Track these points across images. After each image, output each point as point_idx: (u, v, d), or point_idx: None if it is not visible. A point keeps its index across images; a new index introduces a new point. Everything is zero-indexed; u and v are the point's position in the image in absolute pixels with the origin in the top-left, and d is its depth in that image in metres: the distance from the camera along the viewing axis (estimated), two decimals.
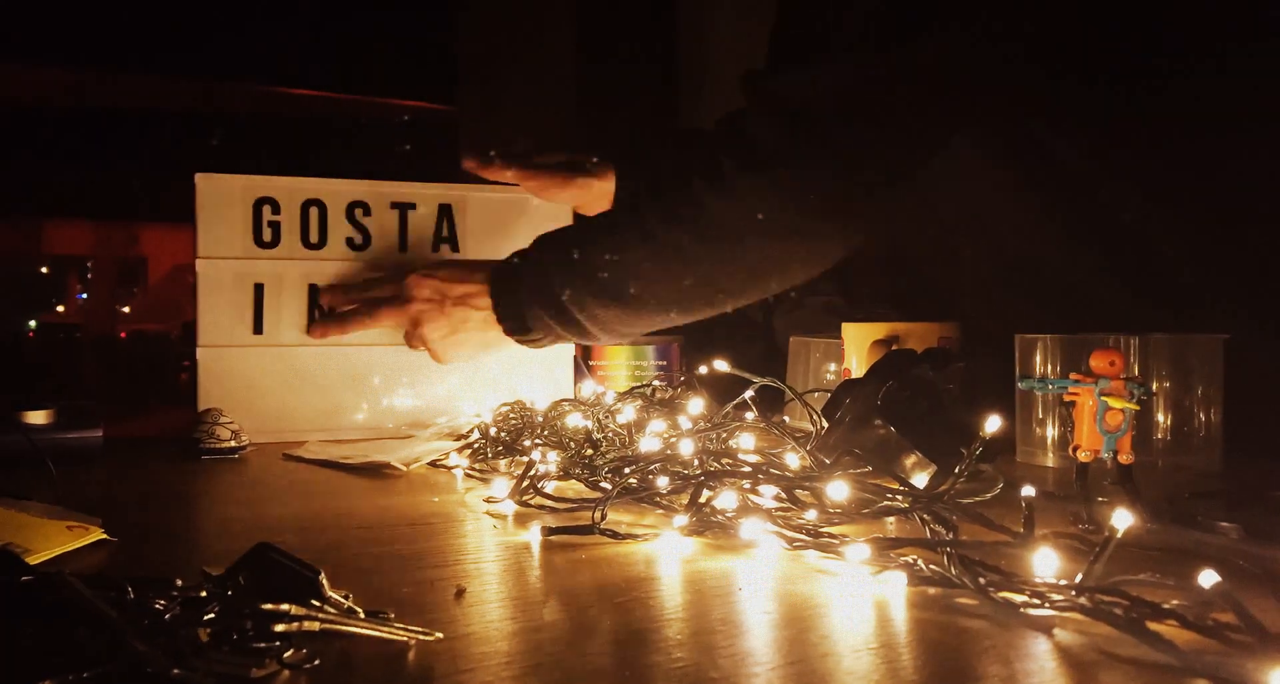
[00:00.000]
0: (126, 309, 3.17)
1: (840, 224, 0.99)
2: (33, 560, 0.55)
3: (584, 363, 1.26)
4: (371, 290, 1.12)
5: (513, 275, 1.06)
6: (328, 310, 1.13)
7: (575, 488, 0.80)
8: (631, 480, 0.75)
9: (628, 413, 0.92)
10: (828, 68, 0.93)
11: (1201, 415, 0.91)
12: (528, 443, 0.92)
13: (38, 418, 0.93)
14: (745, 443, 0.88)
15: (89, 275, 3.17)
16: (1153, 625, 0.43)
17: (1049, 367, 0.93)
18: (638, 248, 0.99)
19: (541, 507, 0.74)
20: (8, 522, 0.60)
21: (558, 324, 1.04)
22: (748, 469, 0.75)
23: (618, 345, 1.22)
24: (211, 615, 0.41)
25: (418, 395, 1.16)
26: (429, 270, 1.09)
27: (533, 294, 1.03)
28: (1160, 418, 0.92)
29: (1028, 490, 0.61)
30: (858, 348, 1.04)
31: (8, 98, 2.82)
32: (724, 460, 0.78)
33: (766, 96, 0.96)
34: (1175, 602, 0.45)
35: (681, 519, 0.64)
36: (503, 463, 0.93)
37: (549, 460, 0.82)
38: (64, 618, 0.38)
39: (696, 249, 0.97)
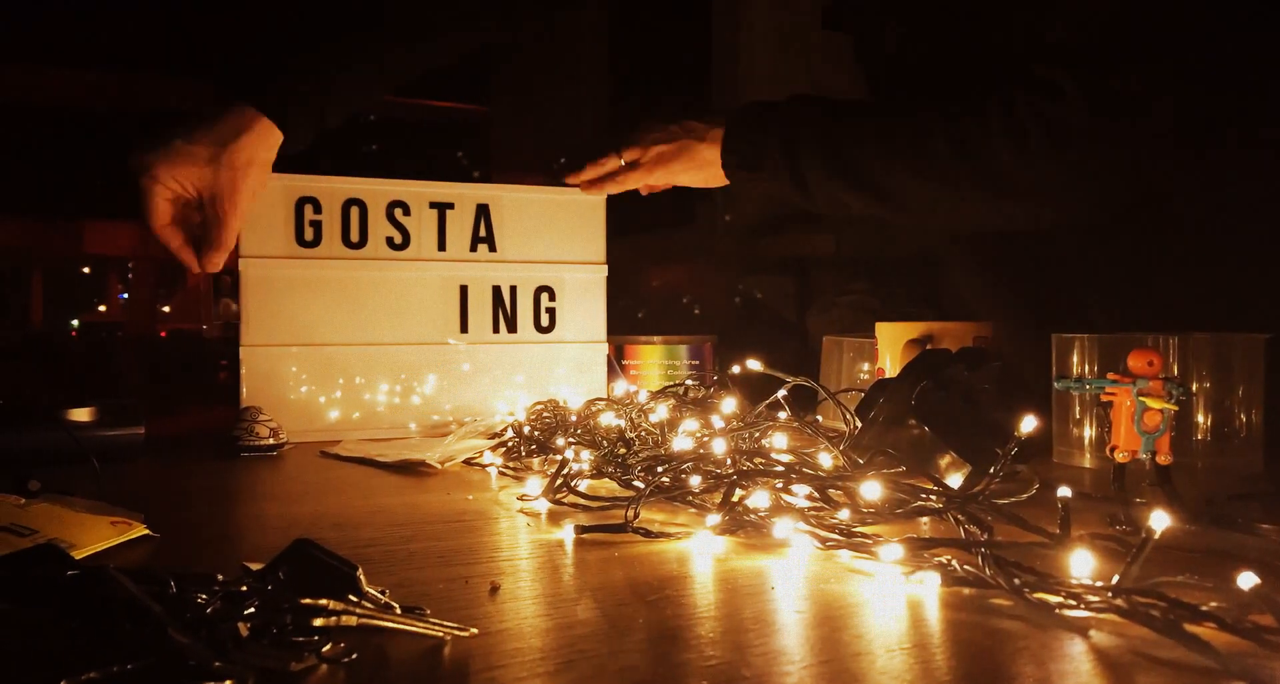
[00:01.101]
0: (166, 308, 3.21)
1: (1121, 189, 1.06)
2: (78, 555, 0.57)
3: (617, 362, 1.26)
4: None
5: (756, 118, 1.12)
6: (625, 163, 1.19)
7: (608, 486, 0.81)
8: (664, 479, 0.75)
9: (661, 412, 0.92)
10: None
11: (1242, 416, 0.90)
12: (561, 441, 0.92)
13: (81, 415, 0.94)
14: (778, 442, 0.88)
15: (130, 275, 3.21)
16: (1190, 627, 0.43)
17: (1086, 366, 0.92)
18: (906, 151, 1.04)
19: (574, 505, 0.74)
20: (54, 517, 0.61)
21: (786, 170, 1.09)
22: (780, 468, 0.75)
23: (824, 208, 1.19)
24: (252, 610, 0.42)
25: (453, 394, 1.17)
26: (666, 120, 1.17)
27: (776, 135, 1.09)
28: (1200, 418, 0.90)
29: (1064, 491, 0.60)
30: (891, 347, 1.04)
31: (49, 100, 2.87)
32: (757, 460, 0.78)
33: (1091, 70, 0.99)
34: (1213, 604, 0.45)
35: (714, 518, 0.64)
36: (536, 461, 0.93)
37: (582, 459, 0.82)
38: (108, 611, 0.39)
39: (969, 179, 1.03)
